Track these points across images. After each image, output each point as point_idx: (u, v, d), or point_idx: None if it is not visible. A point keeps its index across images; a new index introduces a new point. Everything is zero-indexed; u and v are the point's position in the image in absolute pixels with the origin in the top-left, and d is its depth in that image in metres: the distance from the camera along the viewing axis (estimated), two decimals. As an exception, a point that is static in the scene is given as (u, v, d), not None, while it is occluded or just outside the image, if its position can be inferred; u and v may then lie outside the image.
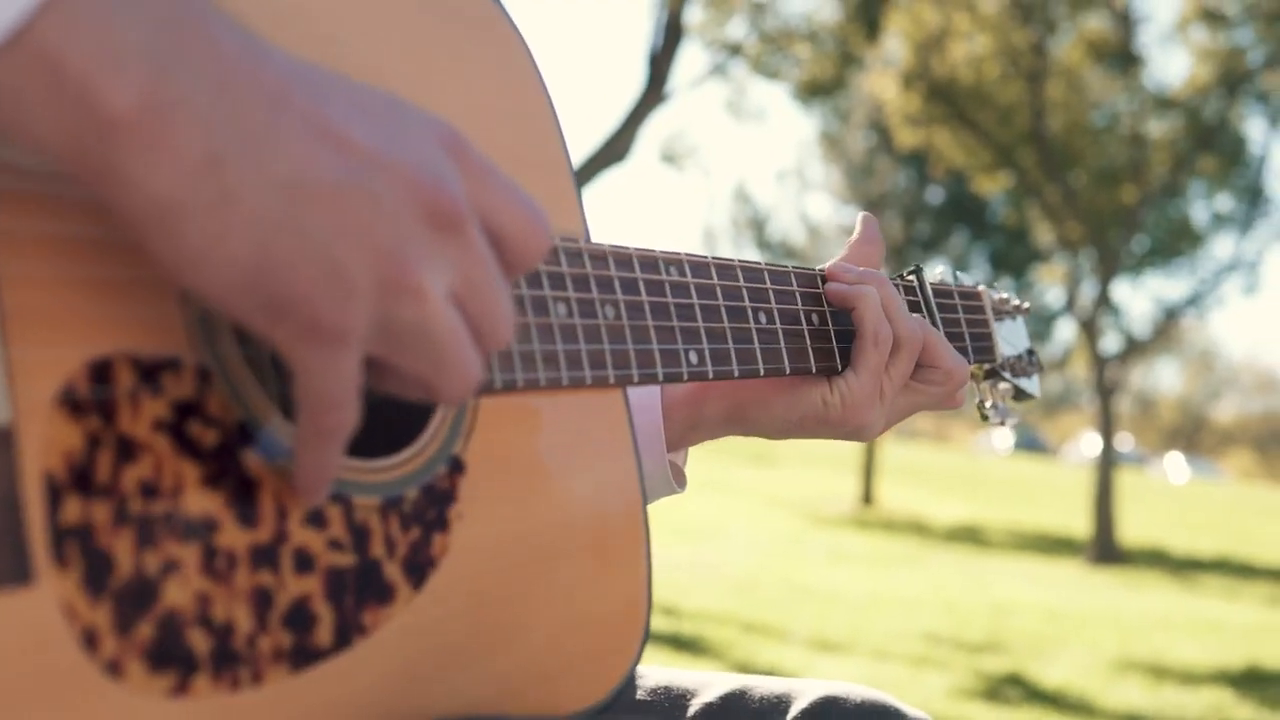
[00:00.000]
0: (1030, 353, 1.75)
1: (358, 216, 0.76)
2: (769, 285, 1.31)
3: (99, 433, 0.77)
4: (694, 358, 1.18)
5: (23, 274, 0.75)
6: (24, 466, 0.73)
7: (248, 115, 0.73)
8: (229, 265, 0.73)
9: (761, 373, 1.27)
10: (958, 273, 1.66)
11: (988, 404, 1.72)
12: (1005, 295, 1.73)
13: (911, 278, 1.54)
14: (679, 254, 1.21)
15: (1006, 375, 1.70)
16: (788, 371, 1.31)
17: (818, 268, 1.40)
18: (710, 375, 1.21)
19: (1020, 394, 1.74)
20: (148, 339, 0.81)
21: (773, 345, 1.29)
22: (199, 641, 0.80)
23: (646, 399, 1.42)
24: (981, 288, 1.67)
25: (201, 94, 0.71)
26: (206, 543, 0.82)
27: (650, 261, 1.17)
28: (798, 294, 1.34)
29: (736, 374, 1.24)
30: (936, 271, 1.62)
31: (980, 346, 1.63)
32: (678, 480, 1.47)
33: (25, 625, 0.72)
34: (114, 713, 0.76)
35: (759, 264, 1.31)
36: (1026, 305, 1.76)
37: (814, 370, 1.35)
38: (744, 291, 1.27)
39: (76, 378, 0.76)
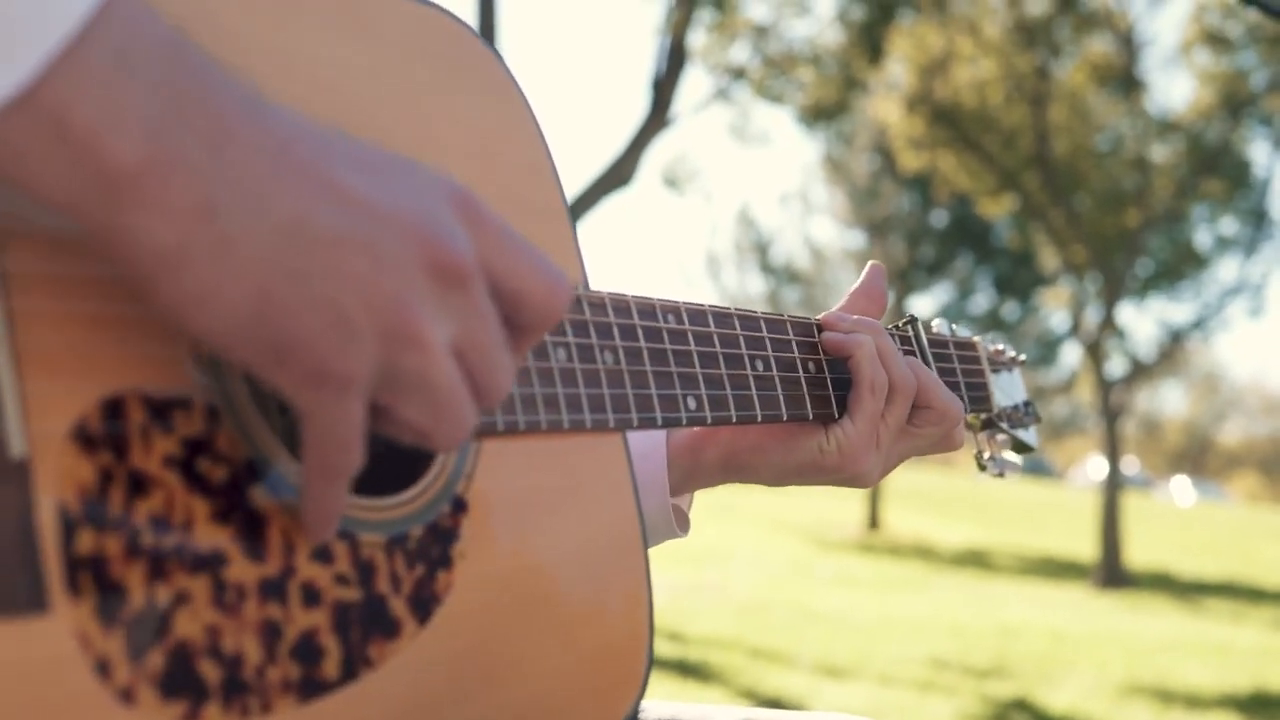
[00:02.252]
0: (1028, 404, 1.76)
1: (358, 265, 0.77)
2: (765, 334, 1.33)
3: (111, 467, 0.79)
4: (692, 403, 1.20)
5: (37, 312, 0.77)
6: (39, 498, 0.75)
7: (245, 167, 0.75)
8: (230, 310, 0.75)
9: (759, 419, 1.29)
10: (953, 325, 1.67)
11: (985, 455, 1.72)
12: (1001, 347, 1.74)
13: (908, 328, 1.55)
14: (676, 302, 1.23)
15: (1004, 426, 1.71)
16: (785, 418, 1.32)
17: (814, 317, 1.41)
18: (709, 421, 1.22)
19: (1019, 445, 1.75)
20: (159, 378, 0.83)
21: (770, 392, 1.31)
22: (210, 671, 0.82)
23: (649, 446, 1.43)
24: (977, 339, 1.69)
25: (199, 148, 0.73)
26: (216, 576, 0.83)
27: (648, 309, 1.19)
28: (794, 342, 1.36)
29: (734, 420, 1.26)
30: (933, 323, 1.63)
31: (976, 397, 1.64)
32: (680, 524, 1.48)
33: (41, 652, 0.74)
34: None
35: (755, 313, 1.33)
36: (1023, 357, 1.78)
37: (810, 417, 1.35)
38: (741, 339, 1.29)
39: (89, 414, 0.78)
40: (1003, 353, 1.74)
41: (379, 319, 0.78)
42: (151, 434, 0.81)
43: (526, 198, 1.15)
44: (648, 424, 1.15)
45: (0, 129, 0.68)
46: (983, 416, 1.69)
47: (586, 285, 1.16)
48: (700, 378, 1.22)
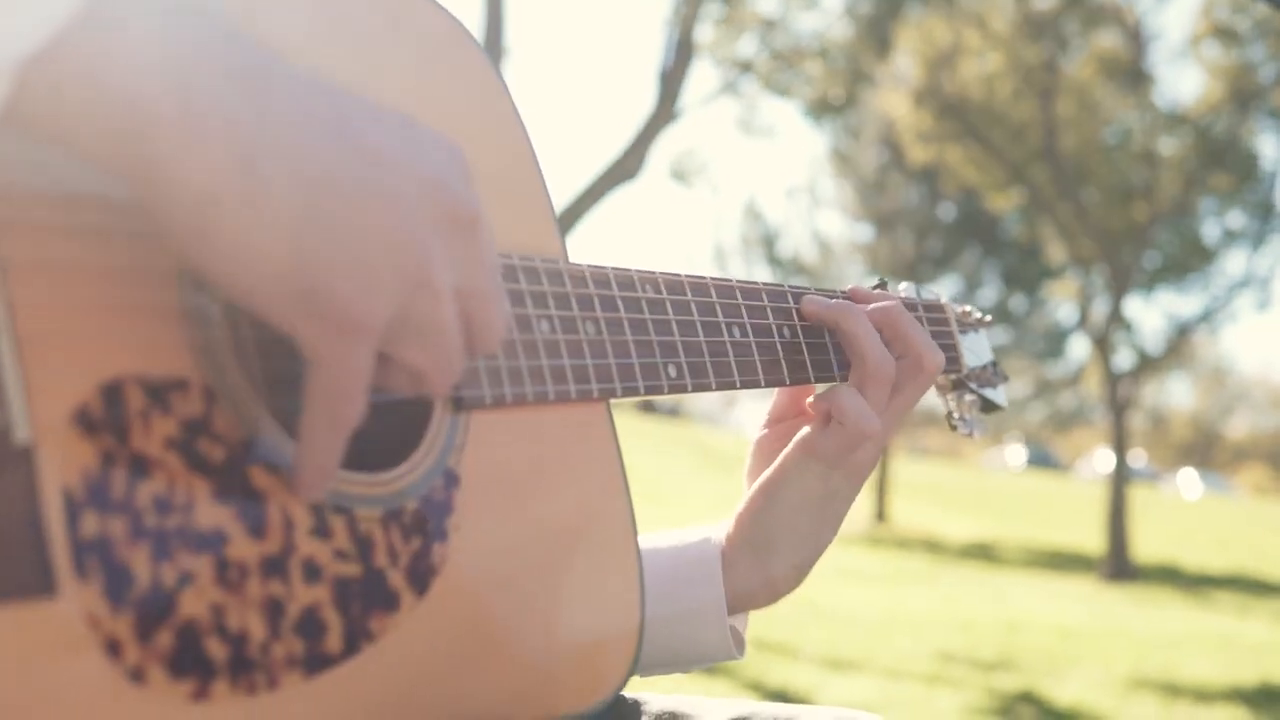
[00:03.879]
0: (994, 364, 1.79)
1: (383, 215, 0.80)
2: (740, 301, 1.35)
3: (113, 451, 0.80)
4: (672, 371, 1.23)
5: (36, 300, 0.78)
6: (44, 483, 0.76)
7: (277, 120, 0.77)
8: (264, 258, 0.77)
9: (738, 384, 1.31)
10: (919, 287, 1.69)
11: (955, 415, 1.75)
12: (968, 308, 1.77)
13: (877, 291, 1.56)
14: (654, 273, 1.26)
15: (972, 386, 1.74)
16: (763, 383, 1.34)
17: (792, 287, 1.42)
18: (689, 388, 1.25)
19: (987, 404, 1.78)
20: (156, 360, 0.84)
21: (747, 358, 1.33)
22: (216, 649, 0.83)
23: (704, 571, 1.39)
24: (945, 300, 1.71)
25: (233, 97, 0.75)
26: (219, 554, 0.85)
27: (627, 280, 1.21)
28: (768, 309, 1.38)
29: (714, 386, 1.28)
30: (900, 287, 1.65)
31: (947, 358, 1.65)
32: (738, 645, 1.44)
33: (51, 634, 0.75)
34: (139, 717, 0.79)
35: (730, 281, 1.35)
36: (989, 318, 1.80)
37: (788, 382, 1.37)
38: (717, 307, 1.31)
39: (90, 399, 0.80)
40: (970, 314, 1.77)
41: (401, 266, 0.81)
42: (151, 417, 0.83)
43: (506, 177, 1.17)
44: (630, 392, 1.17)
45: (37, 78, 0.70)
46: (952, 377, 1.72)
47: (565, 259, 1.18)
48: (679, 345, 1.25)
